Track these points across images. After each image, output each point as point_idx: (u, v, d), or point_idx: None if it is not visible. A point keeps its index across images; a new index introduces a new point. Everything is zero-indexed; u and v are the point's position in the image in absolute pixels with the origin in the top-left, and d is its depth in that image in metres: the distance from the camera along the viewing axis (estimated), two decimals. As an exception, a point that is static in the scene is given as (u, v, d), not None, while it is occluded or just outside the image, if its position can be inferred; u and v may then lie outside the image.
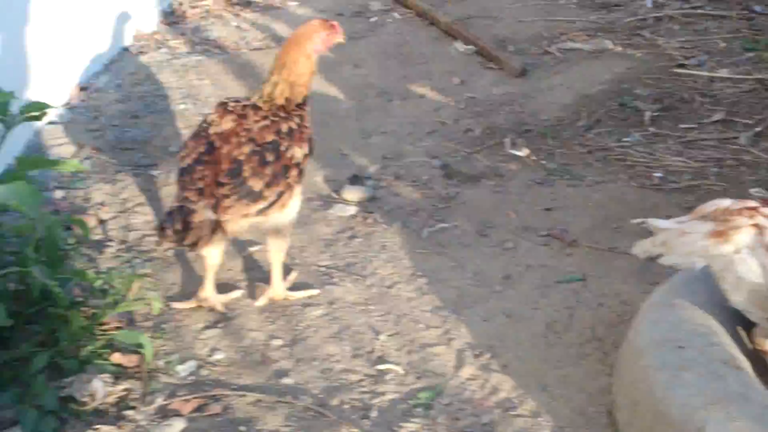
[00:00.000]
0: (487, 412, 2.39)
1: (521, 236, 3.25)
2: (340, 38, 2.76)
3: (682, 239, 2.14)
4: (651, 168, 3.73)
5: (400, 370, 2.56)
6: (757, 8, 5.43)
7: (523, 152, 3.89)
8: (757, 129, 4.02)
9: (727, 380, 2.03)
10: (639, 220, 2.32)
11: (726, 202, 2.13)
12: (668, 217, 2.51)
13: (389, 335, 2.71)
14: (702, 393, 1.99)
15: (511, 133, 4.04)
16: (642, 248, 2.26)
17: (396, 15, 5.52)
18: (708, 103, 4.30)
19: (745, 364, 2.18)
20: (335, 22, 2.78)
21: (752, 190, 3.52)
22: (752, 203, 2.10)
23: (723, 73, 4.59)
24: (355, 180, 3.54)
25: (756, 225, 2.04)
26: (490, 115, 4.25)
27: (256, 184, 2.45)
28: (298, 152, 2.59)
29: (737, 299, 2.16)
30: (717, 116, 4.15)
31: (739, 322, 2.29)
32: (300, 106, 2.66)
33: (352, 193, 3.46)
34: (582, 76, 4.64)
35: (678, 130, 4.05)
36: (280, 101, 2.61)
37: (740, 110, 4.22)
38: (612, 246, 3.15)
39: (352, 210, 3.38)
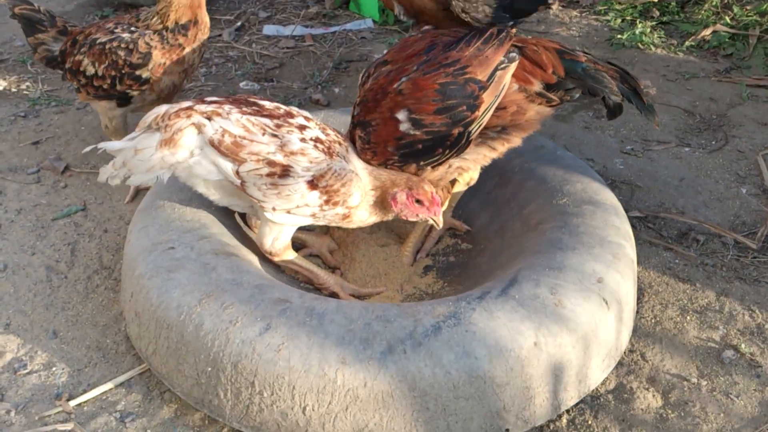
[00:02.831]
0: (-10, 382, 2.12)
1: (8, 179, 2.90)
2: None
3: (138, 157, 2.05)
4: (142, 79, 3.59)
5: None
6: None
7: (0, 85, 3.45)
8: (238, 24, 4.12)
9: (218, 270, 2.02)
10: (91, 147, 2.16)
11: (163, 108, 2.07)
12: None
13: None
14: (195, 289, 1.96)
15: (-21, 68, 3.55)
16: (106, 174, 2.13)
17: None
18: (190, 5, 4.26)
19: (240, 249, 2.22)
20: None
21: (242, 84, 3.61)
22: (186, 103, 2.08)
23: (199, -27, 4.56)
24: None
25: (195, 124, 2.02)
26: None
27: None
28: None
29: (213, 197, 2.16)
30: (199, 17, 4.14)
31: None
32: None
33: None
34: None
35: (164, 36, 3.96)
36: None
37: (220, 7, 4.28)
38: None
39: None
